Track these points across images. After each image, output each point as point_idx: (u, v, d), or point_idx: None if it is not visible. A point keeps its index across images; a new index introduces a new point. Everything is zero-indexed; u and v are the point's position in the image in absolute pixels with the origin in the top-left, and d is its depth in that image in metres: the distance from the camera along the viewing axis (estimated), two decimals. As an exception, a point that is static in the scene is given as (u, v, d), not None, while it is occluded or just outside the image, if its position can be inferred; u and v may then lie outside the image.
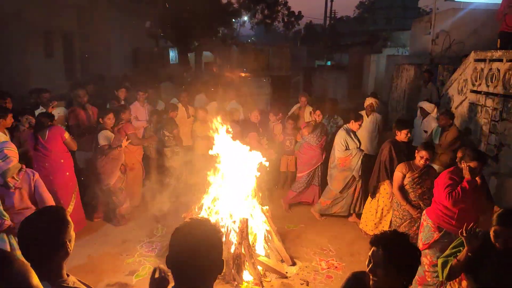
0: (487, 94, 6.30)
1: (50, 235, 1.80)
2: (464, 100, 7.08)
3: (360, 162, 5.71)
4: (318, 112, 6.16)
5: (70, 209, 4.99)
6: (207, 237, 1.56)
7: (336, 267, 4.73)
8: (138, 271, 4.48)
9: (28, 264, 1.36)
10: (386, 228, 4.89)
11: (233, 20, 27.92)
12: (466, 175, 3.63)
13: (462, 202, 3.64)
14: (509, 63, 5.73)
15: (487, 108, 6.27)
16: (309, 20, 46.40)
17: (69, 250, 1.86)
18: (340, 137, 5.73)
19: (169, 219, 5.62)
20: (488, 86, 6.25)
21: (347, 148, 5.70)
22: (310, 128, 6.18)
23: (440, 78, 8.74)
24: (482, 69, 6.44)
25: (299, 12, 35.19)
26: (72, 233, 1.93)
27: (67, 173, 5.14)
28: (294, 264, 4.71)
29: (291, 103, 11.48)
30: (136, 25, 20.13)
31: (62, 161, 5.05)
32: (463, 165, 3.69)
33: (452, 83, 7.62)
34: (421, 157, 4.27)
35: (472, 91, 6.73)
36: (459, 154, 3.93)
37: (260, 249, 4.64)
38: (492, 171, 5.89)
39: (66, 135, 5.05)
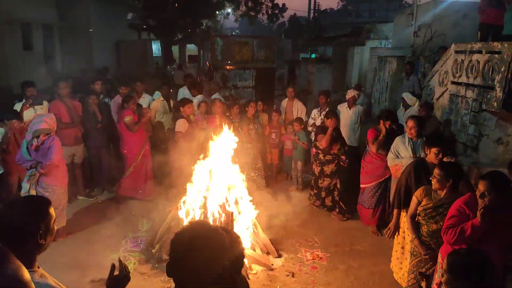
0: (467, 85, 6.41)
1: (22, 223, 1.78)
2: (445, 91, 7.19)
3: None
4: (388, 122, 5.26)
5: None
6: (209, 241, 1.47)
7: (321, 258, 4.79)
8: (123, 266, 4.43)
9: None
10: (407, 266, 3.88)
11: (217, 12, 27.70)
12: (479, 205, 2.79)
13: (471, 241, 2.80)
14: (488, 54, 5.84)
15: (467, 99, 6.39)
16: (293, 12, 46.30)
17: (41, 242, 1.82)
18: (393, 143, 4.99)
19: (153, 213, 5.59)
20: (468, 77, 6.36)
21: (397, 157, 4.89)
22: (378, 143, 5.29)
23: (421, 70, 8.86)
24: (462, 61, 6.54)
25: (283, 5, 35.13)
26: (52, 227, 1.90)
27: None
28: (279, 256, 4.75)
29: (276, 96, 11.50)
30: (118, 17, 19.80)
31: None
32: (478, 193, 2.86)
33: (433, 75, 7.73)
34: (436, 154, 3.81)
35: (453, 83, 6.84)
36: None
37: (246, 241, 4.65)
38: (472, 161, 6.03)
39: None
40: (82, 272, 4.32)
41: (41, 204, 1.90)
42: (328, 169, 5.91)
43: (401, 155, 4.83)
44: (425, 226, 3.47)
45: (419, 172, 3.93)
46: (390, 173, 5.13)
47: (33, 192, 4.53)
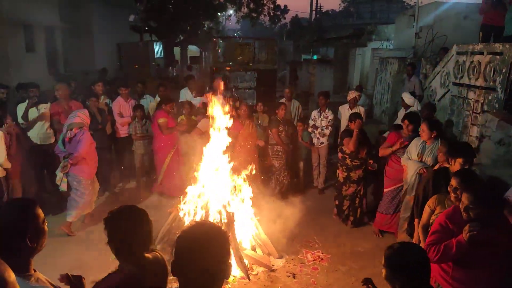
0: (468, 86, 6.40)
1: (8, 228, 1.76)
2: (446, 92, 7.18)
3: (415, 179, 4.67)
4: (411, 126, 5.07)
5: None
6: (214, 240, 1.47)
7: (322, 259, 4.79)
8: (124, 267, 4.44)
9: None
10: None
11: (219, 13, 27.75)
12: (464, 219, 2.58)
13: (454, 260, 2.62)
14: (490, 56, 5.83)
15: (469, 100, 6.38)
16: (295, 14, 46.36)
17: (32, 245, 1.80)
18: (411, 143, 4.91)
19: (155, 214, 5.59)
20: (469, 78, 6.35)
21: (409, 158, 4.82)
22: (399, 142, 5.12)
23: (423, 71, 8.84)
24: (464, 62, 6.53)
25: (285, 6, 35.20)
26: (42, 228, 1.88)
27: None
28: (280, 257, 4.75)
29: (277, 97, 11.50)
30: (120, 19, 19.85)
31: None
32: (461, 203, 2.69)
33: (435, 76, 7.72)
34: (461, 165, 3.45)
35: (454, 84, 6.83)
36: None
37: (247, 242, 4.66)
38: (474, 163, 6.01)
39: None
40: (83, 272, 4.26)
41: (27, 207, 1.86)
42: (355, 175, 5.60)
43: (411, 156, 4.80)
44: None
45: (438, 182, 3.64)
46: None
47: (64, 181, 5.08)
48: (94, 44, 16.71)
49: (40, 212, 1.92)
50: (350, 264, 4.67)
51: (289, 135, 6.49)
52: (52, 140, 5.90)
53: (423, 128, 4.65)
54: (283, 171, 6.43)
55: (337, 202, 5.84)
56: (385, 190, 5.37)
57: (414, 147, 4.79)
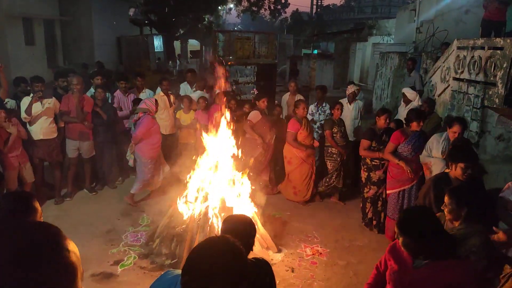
0: (469, 81, 6.38)
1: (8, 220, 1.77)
2: (447, 87, 7.16)
3: None
4: (415, 123, 4.74)
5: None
6: (228, 263, 1.35)
7: (321, 253, 4.80)
8: (123, 261, 4.46)
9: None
10: None
11: (219, 7, 27.63)
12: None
13: None
14: (490, 50, 5.81)
15: (469, 95, 6.36)
16: (296, 8, 46.12)
17: None
18: (430, 139, 4.70)
19: (154, 208, 5.61)
20: (470, 73, 6.34)
21: (430, 155, 4.57)
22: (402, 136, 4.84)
23: (423, 66, 8.81)
24: (464, 57, 6.51)
25: (286, 0, 34.96)
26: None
27: None
28: (279, 251, 4.76)
29: (277, 92, 11.49)
30: (120, 12, 19.76)
31: None
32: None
33: (435, 71, 7.69)
34: (463, 169, 3.21)
35: (455, 79, 6.81)
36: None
37: (246, 236, 4.66)
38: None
39: None
40: (83, 266, 4.26)
41: (26, 200, 1.87)
42: (375, 176, 5.25)
43: (432, 154, 4.55)
44: None
45: (439, 190, 3.28)
46: (417, 179, 4.80)
47: (131, 157, 5.94)
48: (94, 37, 16.67)
49: (37, 205, 1.91)
50: (348, 259, 4.68)
51: (345, 136, 6.08)
52: (55, 134, 5.84)
53: (457, 129, 4.31)
54: (335, 175, 6.08)
55: (361, 205, 5.56)
56: (389, 192, 5.01)
57: (435, 144, 4.50)
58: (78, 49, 16.10)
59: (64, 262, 1.04)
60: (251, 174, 4.95)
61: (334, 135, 5.95)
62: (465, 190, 2.62)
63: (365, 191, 5.40)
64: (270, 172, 6.65)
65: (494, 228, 2.97)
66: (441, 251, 2.07)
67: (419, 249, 2.11)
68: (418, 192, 4.41)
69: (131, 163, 6.06)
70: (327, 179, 6.18)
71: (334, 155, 6.01)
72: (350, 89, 6.88)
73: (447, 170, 3.43)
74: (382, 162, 5.18)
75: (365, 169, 5.36)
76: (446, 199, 2.63)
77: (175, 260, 4.30)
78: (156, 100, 5.91)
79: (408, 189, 4.85)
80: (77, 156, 6.07)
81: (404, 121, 5.14)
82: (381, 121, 5.23)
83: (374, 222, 5.37)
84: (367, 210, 5.42)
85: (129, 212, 5.71)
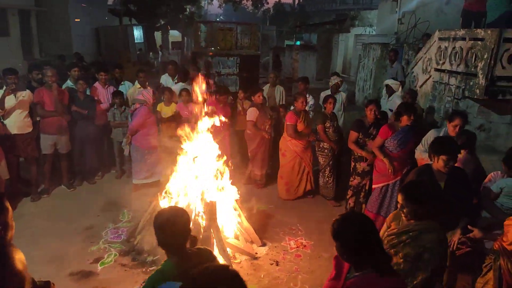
0: (450, 72, 6.42)
1: None
2: (428, 78, 7.20)
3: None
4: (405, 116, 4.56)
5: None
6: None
7: (305, 246, 4.77)
8: (103, 259, 4.34)
9: None
10: None
11: (200, -3, 27.22)
12: None
13: None
14: (472, 41, 5.84)
15: (451, 86, 6.41)
16: (278, -1, 45.82)
17: None
18: (426, 134, 4.67)
19: (135, 203, 5.48)
20: (451, 64, 6.37)
21: (425, 150, 4.41)
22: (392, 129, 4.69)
23: (405, 57, 8.85)
24: (446, 48, 6.54)
25: (268, -9, 34.70)
26: (10, 223, 1.78)
27: None
28: (263, 244, 4.71)
29: (260, 83, 11.39)
30: (98, 2, 19.23)
31: None
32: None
33: (417, 62, 7.72)
34: (445, 161, 3.16)
35: (436, 70, 6.85)
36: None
37: (229, 231, 4.60)
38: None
39: None
40: (61, 264, 4.21)
41: None
42: (360, 167, 5.30)
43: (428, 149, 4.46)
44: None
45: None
46: (401, 174, 4.71)
47: (127, 147, 5.98)
48: (71, 28, 16.18)
49: (8, 205, 1.81)
50: (332, 251, 4.57)
51: (338, 130, 5.92)
52: (30, 129, 5.62)
53: (458, 123, 4.20)
54: (328, 170, 5.92)
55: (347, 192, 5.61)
56: (374, 186, 4.94)
57: (432, 139, 4.53)
58: (54, 40, 15.62)
59: (10, 270, 0.98)
60: (231, 165, 4.85)
61: (326, 129, 5.78)
62: (420, 187, 2.53)
63: (350, 180, 5.47)
64: (266, 167, 6.48)
65: (469, 226, 3.01)
66: (371, 265, 1.96)
67: (348, 258, 2.02)
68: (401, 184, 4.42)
69: (126, 152, 6.14)
70: (323, 178, 6.00)
71: (326, 150, 5.86)
72: (333, 80, 6.85)
73: (429, 162, 3.39)
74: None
75: (352, 159, 5.41)
76: (399, 196, 2.54)
77: (157, 257, 4.20)
78: (154, 92, 5.92)
79: (391, 184, 4.78)
80: (53, 152, 5.86)
81: (388, 113, 5.12)
82: (367, 112, 5.16)
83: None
84: (348, 197, 5.51)
85: (109, 208, 5.57)
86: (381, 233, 2.81)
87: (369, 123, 5.18)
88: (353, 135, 5.24)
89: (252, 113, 6.12)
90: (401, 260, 2.41)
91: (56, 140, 5.81)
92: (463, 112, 4.62)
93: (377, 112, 5.10)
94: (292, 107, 6.16)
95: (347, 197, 5.54)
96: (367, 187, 5.33)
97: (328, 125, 5.77)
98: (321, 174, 6.03)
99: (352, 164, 5.42)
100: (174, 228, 2.06)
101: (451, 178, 3.20)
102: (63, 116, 5.79)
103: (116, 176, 6.73)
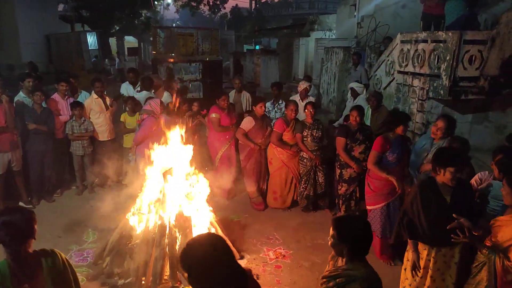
0: (413, 74, 6.56)
1: None
2: (392, 81, 7.34)
3: None
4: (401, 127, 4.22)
5: None
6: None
7: (284, 255, 4.65)
8: (69, 285, 3.98)
9: None
10: None
11: (156, 2, 26.64)
12: None
13: None
14: (434, 44, 5.99)
15: (414, 88, 6.55)
16: (235, 3, 45.90)
17: None
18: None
19: (100, 222, 5.10)
20: (414, 66, 6.52)
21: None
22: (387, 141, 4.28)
23: (368, 61, 9.01)
24: (408, 50, 6.68)
25: (225, -5, 34.66)
26: None
27: None
28: (241, 257, 4.54)
29: (225, 89, 11.22)
30: (48, 8, 18.22)
31: None
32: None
33: (380, 65, 7.87)
34: (452, 174, 2.97)
35: (400, 72, 6.98)
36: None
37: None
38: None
39: None
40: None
41: None
42: (346, 173, 5.09)
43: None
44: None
45: (426, 195, 3.12)
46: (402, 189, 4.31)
47: (133, 158, 5.73)
48: (20, 36, 15.18)
49: None
50: (313, 259, 4.58)
51: (318, 140, 5.58)
52: None
53: (441, 125, 4.08)
54: (304, 180, 5.69)
55: (336, 201, 5.47)
56: (372, 208, 4.47)
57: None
58: (2, 49, 14.59)
59: None
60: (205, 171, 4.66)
61: (304, 138, 5.56)
62: (351, 222, 2.23)
63: (338, 188, 5.26)
64: (261, 183, 6.07)
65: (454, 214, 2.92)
66: None
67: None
68: (401, 200, 4.34)
69: (132, 163, 5.89)
70: (299, 188, 5.78)
71: (305, 160, 5.64)
72: (302, 85, 6.80)
73: (432, 174, 3.17)
74: (354, 160, 4.97)
75: (338, 166, 5.20)
76: (331, 229, 2.24)
77: (129, 280, 3.92)
78: (161, 102, 5.56)
79: (392, 201, 4.41)
80: (7, 171, 5.40)
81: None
82: (351, 118, 5.00)
83: None
84: (340, 207, 5.30)
85: (71, 228, 5.17)
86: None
87: (354, 128, 5.04)
88: (341, 141, 5.03)
89: (246, 122, 5.81)
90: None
91: (10, 157, 5.35)
92: (446, 115, 4.39)
93: (359, 118, 4.96)
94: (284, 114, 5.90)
95: (339, 207, 5.31)
96: (357, 194, 5.15)
97: (306, 133, 5.55)
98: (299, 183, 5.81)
99: (338, 171, 5.20)
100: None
101: (457, 192, 3.04)
102: (14, 131, 5.36)
103: (76, 192, 6.31)
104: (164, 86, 7.37)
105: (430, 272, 3.18)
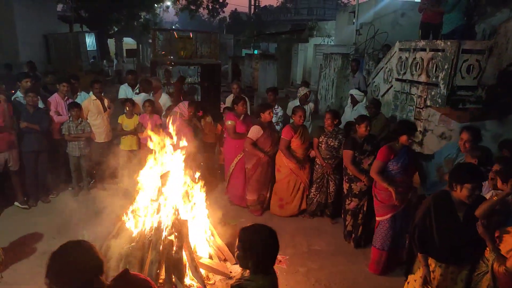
0: (411, 82, 6.61)
1: None
2: (390, 88, 7.39)
3: None
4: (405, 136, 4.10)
5: None
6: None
7: (280, 261, 4.62)
8: None
9: None
10: None
11: (156, 4, 26.69)
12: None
13: None
14: (432, 52, 6.04)
15: (412, 95, 6.59)
16: (234, 8, 46.07)
17: None
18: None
19: (96, 224, 5.05)
20: (412, 74, 6.56)
21: None
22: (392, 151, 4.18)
23: (366, 68, 9.06)
24: (406, 58, 6.74)
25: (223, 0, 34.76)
26: None
27: None
28: (237, 262, 4.51)
29: (223, 93, 11.23)
30: (47, 8, 18.22)
31: None
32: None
33: (378, 72, 7.92)
34: (470, 191, 2.81)
35: (397, 80, 7.04)
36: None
37: (202, 250, 4.37)
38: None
39: None
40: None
41: None
42: (356, 187, 4.85)
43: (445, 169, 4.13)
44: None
45: (441, 210, 2.98)
46: (407, 201, 4.27)
47: None
48: (18, 35, 15.15)
49: None
50: (309, 265, 4.57)
51: (333, 149, 5.38)
52: None
53: (466, 138, 3.92)
54: (315, 187, 5.57)
55: (342, 216, 5.24)
56: (381, 219, 4.37)
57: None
58: (0, 48, 14.55)
59: None
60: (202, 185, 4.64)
61: (319, 144, 5.43)
62: (257, 234, 2.15)
63: (346, 203, 5.00)
64: (261, 193, 5.87)
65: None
66: None
67: None
68: (407, 210, 4.24)
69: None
70: (310, 193, 5.66)
71: (317, 165, 5.53)
72: (302, 91, 6.81)
73: (447, 188, 3.03)
74: (364, 173, 4.78)
75: (347, 180, 4.95)
76: (237, 240, 2.19)
77: (124, 282, 3.88)
78: (189, 103, 5.77)
79: (399, 211, 4.28)
80: (4, 170, 5.37)
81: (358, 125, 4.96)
82: (361, 129, 4.79)
83: (353, 236, 5.02)
84: (347, 223, 5.08)
85: (66, 230, 5.12)
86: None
87: (360, 139, 4.85)
88: (348, 153, 4.82)
89: (254, 132, 5.59)
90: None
91: (7, 157, 5.32)
92: (470, 126, 4.10)
93: (370, 128, 4.82)
94: (291, 120, 5.77)
95: (346, 223, 5.08)
96: (365, 208, 4.90)
97: (321, 139, 5.42)
98: (309, 190, 5.69)
99: (347, 185, 4.94)
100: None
101: (472, 210, 2.88)
102: (11, 131, 5.33)
103: (72, 193, 6.27)
104: (175, 86, 7.35)
105: None
